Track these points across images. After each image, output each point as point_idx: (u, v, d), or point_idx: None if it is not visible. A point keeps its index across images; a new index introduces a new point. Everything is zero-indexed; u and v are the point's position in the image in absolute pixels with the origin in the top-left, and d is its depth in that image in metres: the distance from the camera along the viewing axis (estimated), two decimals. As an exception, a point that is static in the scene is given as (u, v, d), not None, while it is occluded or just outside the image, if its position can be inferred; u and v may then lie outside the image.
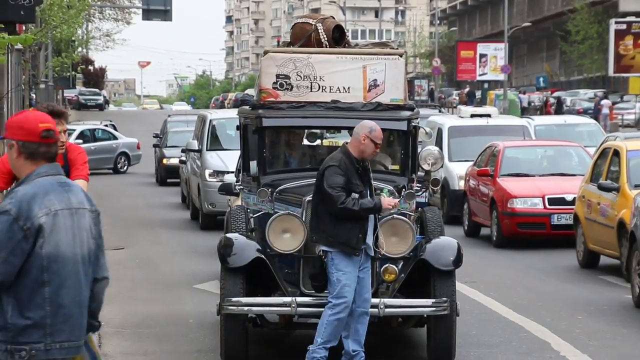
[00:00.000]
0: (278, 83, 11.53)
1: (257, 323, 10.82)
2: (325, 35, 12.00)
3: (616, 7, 68.95)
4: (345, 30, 12.63)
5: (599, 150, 18.76)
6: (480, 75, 75.75)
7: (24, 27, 13.99)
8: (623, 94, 60.32)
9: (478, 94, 74.22)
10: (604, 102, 55.05)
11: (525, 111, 56.98)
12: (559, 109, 58.27)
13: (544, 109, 60.03)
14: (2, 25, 11.03)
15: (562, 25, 74.43)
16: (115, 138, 40.98)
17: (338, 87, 11.50)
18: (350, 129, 12.30)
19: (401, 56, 12.09)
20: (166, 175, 33.09)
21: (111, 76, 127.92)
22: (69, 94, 78.48)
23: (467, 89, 77.25)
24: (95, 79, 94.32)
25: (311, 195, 10.20)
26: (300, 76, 11.51)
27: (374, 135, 10.04)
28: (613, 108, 55.60)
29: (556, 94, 66.28)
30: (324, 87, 11.50)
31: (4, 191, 9.06)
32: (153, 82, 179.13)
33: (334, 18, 12.72)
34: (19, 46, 14.66)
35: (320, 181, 9.88)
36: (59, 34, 46.40)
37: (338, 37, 12.09)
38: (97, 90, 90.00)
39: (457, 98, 73.33)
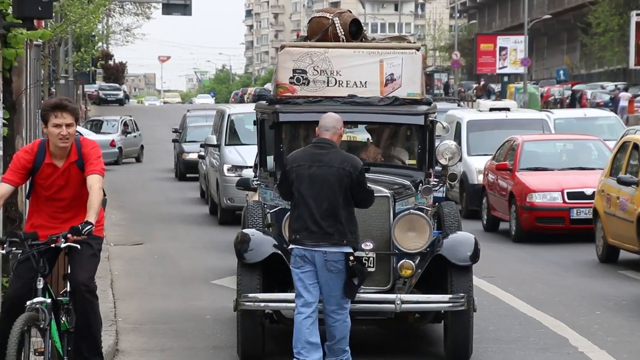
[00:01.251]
0: (295, 78, 11.51)
1: (273, 319, 10.83)
2: (342, 30, 11.97)
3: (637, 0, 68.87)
4: (363, 25, 12.60)
5: (618, 144, 18.69)
6: (500, 68, 75.59)
7: (43, 23, 13.93)
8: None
9: (498, 87, 74.19)
10: (622, 94, 54.90)
11: (546, 104, 56.90)
12: (573, 103, 58.16)
13: (565, 103, 59.86)
14: (20, 21, 11.01)
15: (583, 17, 74.24)
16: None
17: (355, 82, 11.49)
18: (367, 124, 12.36)
19: (418, 50, 12.07)
20: (185, 170, 33.17)
21: (131, 71, 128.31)
22: (89, 89, 78.68)
23: (482, 83, 77.36)
24: (116, 73, 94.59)
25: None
26: (317, 71, 11.50)
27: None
28: (634, 101, 55.53)
29: (577, 86, 66.18)
30: (340, 82, 11.48)
31: (20, 186, 9.05)
32: (173, 76, 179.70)
33: (351, 12, 12.68)
34: (38, 42, 14.61)
35: (358, 180, 9.59)
36: (78, 29, 46.43)
37: (355, 32, 12.07)
38: (117, 85, 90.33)
39: (475, 92, 73.23)
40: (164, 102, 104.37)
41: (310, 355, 9.26)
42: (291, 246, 9.60)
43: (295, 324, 9.49)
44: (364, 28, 12.71)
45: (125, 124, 42.50)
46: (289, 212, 10.54)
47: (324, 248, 9.37)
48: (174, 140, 35.66)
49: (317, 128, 9.81)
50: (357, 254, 9.76)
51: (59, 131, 8.45)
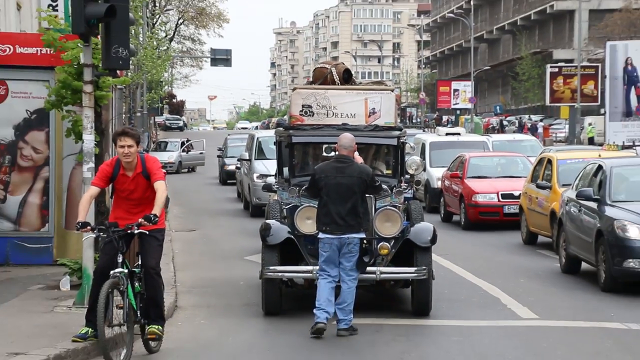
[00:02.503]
0: (303, 111, 11.51)
1: (288, 285, 10.80)
2: (337, 76, 11.99)
3: (551, 56, 68.74)
4: (353, 73, 12.59)
5: (537, 159, 18.71)
6: (454, 104, 75.37)
7: (124, 72, 13.91)
8: (556, 118, 60.29)
9: (452, 117, 74.09)
10: (539, 124, 55.41)
11: (486, 131, 56.68)
12: (502, 129, 58.28)
13: (501, 130, 59.64)
14: (107, 71, 11.01)
15: (513, 68, 74.13)
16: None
17: (347, 114, 11.46)
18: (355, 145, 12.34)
19: (392, 91, 12.11)
20: (226, 178, 33.03)
21: (188, 106, 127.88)
22: (158, 119, 78.46)
23: (436, 115, 77.72)
24: (177, 108, 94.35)
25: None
26: (319, 106, 11.49)
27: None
28: (549, 128, 55.47)
29: (507, 118, 66.19)
30: (336, 114, 11.47)
31: (106, 189, 9.06)
32: (218, 110, 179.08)
33: (344, 64, 12.69)
34: (121, 86, 14.57)
35: (372, 182, 9.62)
36: (150, 76, 46.55)
37: (347, 78, 12.07)
38: (178, 116, 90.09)
39: (433, 121, 73.18)
40: (214, 128, 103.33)
41: (327, 307, 9.31)
42: (321, 235, 9.49)
43: (319, 286, 9.43)
44: (354, 75, 12.70)
45: (190, 145, 42.60)
46: (299, 208, 10.57)
47: (347, 235, 9.36)
48: (218, 156, 35.58)
49: (337, 145, 9.79)
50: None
51: (123, 150, 8.49)
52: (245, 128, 69.99)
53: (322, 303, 9.35)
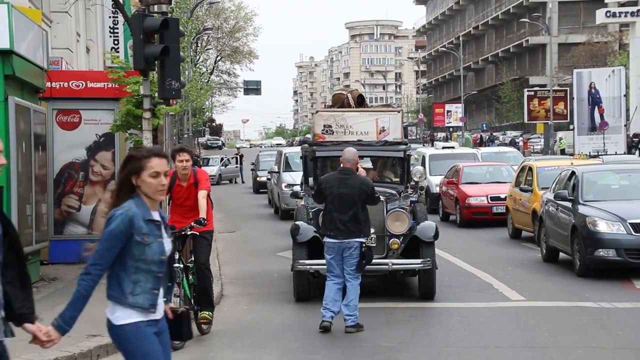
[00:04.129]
0: (324, 130, 11.51)
1: (315, 276, 10.77)
2: (352, 101, 12.00)
3: (528, 81, 68.50)
4: (365, 97, 12.59)
5: (519, 167, 18.62)
6: (447, 123, 75.20)
7: (175, 101, 13.99)
8: (533, 133, 60.20)
9: (445, 134, 73.95)
10: (519, 138, 55.29)
11: (475, 144, 56.50)
12: (488, 143, 58.02)
13: (487, 144, 59.45)
14: (162, 101, 11.07)
15: (496, 92, 73.96)
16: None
17: (361, 132, 11.48)
18: (369, 157, 12.34)
19: (399, 112, 12.06)
20: (259, 187, 33.05)
21: (225, 129, 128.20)
22: (201, 140, 78.79)
23: (429, 132, 77.89)
24: (216, 130, 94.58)
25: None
26: (338, 125, 11.49)
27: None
28: (527, 142, 55.27)
29: (492, 134, 66.02)
30: (352, 132, 11.48)
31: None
32: (250, 131, 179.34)
33: (358, 90, 12.70)
34: (172, 113, 14.62)
35: (371, 193, 8.95)
36: (195, 104, 46.69)
37: (360, 102, 12.08)
38: (217, 137, 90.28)
39: (428, 137, 73.16)
40: (250, 146, 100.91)
41: (333, 307, 8.81)
42: (326, 239, 9.00)
43: (327, 287, 8.95)
44: (366, 99, 12.71)
45: (228, 160, 42.88)
46: (322, 212, 10.54)
47: (349, 239, 8.81)
48: (252, 169, 35.65)
49: (341, 158, 9.28)
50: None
51: (182, 164, 8.51)
52: (280, 144, 69.32)
53: (328, 303, 8.79)
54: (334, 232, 8.90)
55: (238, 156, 43.03)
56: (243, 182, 41.15)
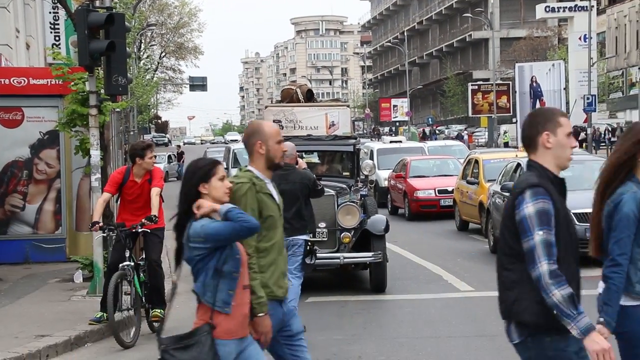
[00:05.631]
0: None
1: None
2: (302, 96, 11.96)
3: (471, 75, 69.41)
4: (314, 92, 12.59)
5: (465, 161, 18.85)
6: (393, 118, 75.79)
7: (120, 98, 13.78)
8: (477, 127, 61.04)
9: (392, 128, 74.49)
10: (464, 132, 56.02)
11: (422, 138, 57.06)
12: (431, 137, 58.54)
13: (430, 137, 60.07)
14: (108, 97, 10.89)
15: (440, 87, 74.81)
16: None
17: (310, 126, 11.47)
18: (318, 152, 12.33)
19: (348, 107, 12.11)
20: (207, 184, 32.73)
21: (171, 125, 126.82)
22: (147, 137, 77.50)
23: (373, 126, 78.27)
24: (162, 127, 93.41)
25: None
26: (287, 120, 11.47)
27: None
28: (472, 135, 56.00)
29: (437, 128, 66.71)
30: (302, 127, 11.46)
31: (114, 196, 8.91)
32: (196, 128, 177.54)
33: (307, 85, 12.68)
34: (118, 110, 14.40)
35: (314, 186, 8.58)
36: (140, 101, 46.10)
37: (309, 96, 12.06)
38: (163, 134, 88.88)
39: (374, 131, 73.62)
40: (202, 142, 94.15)
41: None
42: None
43: None
44: (315, 94, 12.71)
45: (170, 157, 42.28)
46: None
47: (293, 237, 8.43)
48: (199, 166, 35.30)
49: None
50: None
51: (152, 160, 8.39)
52: (235, 140, 66.84)
53: None
54: None
55: (178, 153, 42.34)
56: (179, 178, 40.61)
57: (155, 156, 8.50)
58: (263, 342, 4.23)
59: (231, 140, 60.23)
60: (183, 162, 41.12)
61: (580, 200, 12.00)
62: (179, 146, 48.99)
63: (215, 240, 3.93)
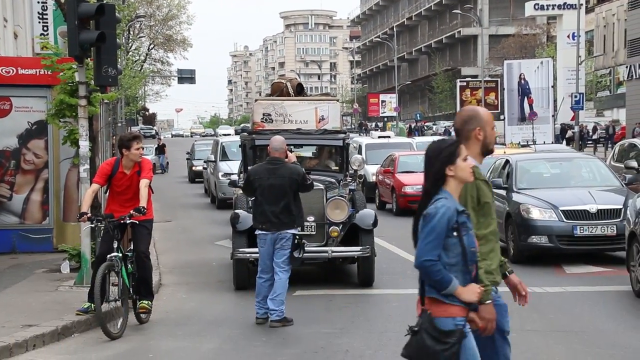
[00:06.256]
0: (264, 118, 11.46)
1: (254, 264, 10.70)
2: (292, 89, 11.96)
3: (460, 72, 69.70)
4: (304, 86, 12.59)
5: (454, 156, 18.88)
6: (382, 113, 75.96)
7: (110, 89, 13.76)
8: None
9: (380, 124, 74.61)
10: (452, 129, 56.16)
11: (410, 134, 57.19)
12: (414, 133, 58.53)
13: (421, 133, 60.18)
14: (98, 88, 10.85)
15: (429, 83, 74.96)
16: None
17: (300, 120, 11.46)
18: (308, 146, 12.34)
19: (338, 101, 12.09)
20: (194, 177, 32.77)
21: (159, 118, 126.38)
22: (134, 129, 77.09)
23: (360, 121, 78.61)
24: (150, 119, 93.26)
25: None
26: (277, 114, 11.45)
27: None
28: (460, 131, 56.07)
29: (425, 124, 66.86)
30: (291, 120, 11.45)
31: (103, 187, 8.90)
32: (184, 121, 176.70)
33: (297, 79, 12.68)
34: (107, 101, 14.36)
35: (303, 181, 8.60)
36: (128, 92, 45.88)
37: (299, 90, 12.06)
38: (151, 126, 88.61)
39: (361, 127, 73.79)
40: (191, 134, 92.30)
41: (265, 304, 8.45)
42: (257, 232, 8.60)
43: (257, 284, 8.57)
44: (304, 88, 12.71)
45: (157, 149, 41.98)
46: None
47: (282, 231, 8.47)
48: (187, 158, 35.26)
49: (268, 148, 8.80)
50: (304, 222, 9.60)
51: (138, 152, 8.39)
52: (229, 134, 61.93)
53: (260, 300, 8.50)
54: (266, 224, 8.49)
55: (159, 146, 41.65)
56: (163, 172, 40.39)
57: (142, 148, 8.48)
58: (486, 329, 4.10)
59: (224, 135, 58.03)
60: (163, 154, 40.71)
61: (568, 197, 12.11)
62: (159, 139, 48.31)
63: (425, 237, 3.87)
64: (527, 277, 11.10)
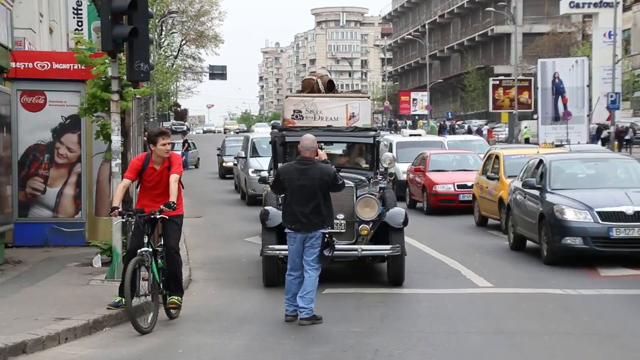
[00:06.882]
0: (294, 115, 11.44)
1: (284, 261, 10.69)
2: (322, 86, 11.92)
3: (492, 70, 69.09)
4: (335, 83, 12.54)
5: (485, 156, 18.77)
6: (413, 111, 75.58)
7: (142, 84, 13.85)
8: (497, 122, 60.67)
9: (409, 122, 74.25)
10: (484, 127, 56.04)
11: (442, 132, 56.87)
12: (448, 132, 58.07)
13: (453, 132, 59.82)
14: (130, 83, 10.90)
15: (461, 81, 74.43)
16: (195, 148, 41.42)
17: (331, 117, 11.41)
18: (338, 143, 12.30)
19: (368, 98, 12.04)
20: (225, 173, 32.85)
21: (190, 113, 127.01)
22: (166, 124, 77.61)
23: (389, 119, 78.35)
24: (181, 115, 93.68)
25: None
26: (307, 111, 11.41)
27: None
28: (492, 130, 55.76)
29: (456, 122, 66.39)
30: (322, 117, 11.41)
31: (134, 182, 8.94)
32: (215, 117, 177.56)
33: (327, 75, 12.61)
34: (139, 96, 14.47)
35: (333, 182, 8.51)
36: (160, 88, 46.17)
37: (330, 87, 12.02)
38: (182, 122, 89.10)
39: (392, 125, 73.61)
40: (225, 131, 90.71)
41: (295, 301, 8.43)
42: (287, 230, 8.57)
43: (286, 282, 8.53)
44: (336, 85, 12.67)
45: (189, 145, 42.19)
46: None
47: (312, 233, 8.42)
48: (218, 155, 35.39)
49: (299, 146, 8.71)
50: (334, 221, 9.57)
51: (165, 148, 8.41)
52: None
53: (290, 297, 8.45)
54: (295, 225, 8.46)
55: (183, 142, 41.39)
56: (187, 168, 40.35)
57: (171, 143, 8.47)
58: None
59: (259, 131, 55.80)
60: (187, 150, 40.52)
61: (604, 198, 11.93)
62: (183, 134, 48.20)
63: None
64: (561, 279, 10.99)
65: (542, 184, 12.69)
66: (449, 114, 71.28)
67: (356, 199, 10.41)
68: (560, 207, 11.90)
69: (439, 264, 12.43)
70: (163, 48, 57.42)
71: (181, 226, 8.63)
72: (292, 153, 11.86)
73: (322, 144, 11.51)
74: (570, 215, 11.75)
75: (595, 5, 49.42)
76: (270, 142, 12.61)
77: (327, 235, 8.52)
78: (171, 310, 8.49)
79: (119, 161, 10.23)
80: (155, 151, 8.43)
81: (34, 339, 7.17)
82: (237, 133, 66.66)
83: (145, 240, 8.19)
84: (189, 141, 42.59)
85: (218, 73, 57.98)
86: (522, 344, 7.70)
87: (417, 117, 74.64)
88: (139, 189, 8.79)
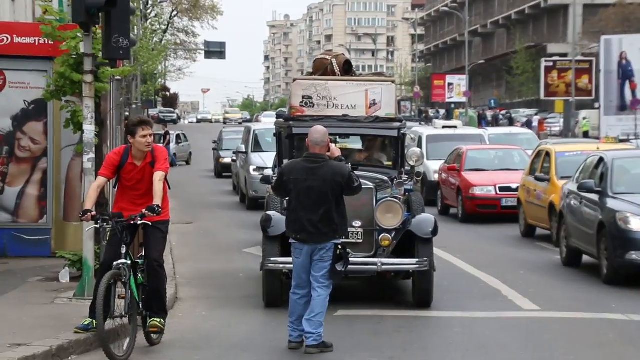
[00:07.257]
0: (304, 102, 11.45)
1: (289, 276, 10.69)
2: (338, 68, 11.94)
3: (545, 49, 68.92)
4: (353, 65, 12.54)
5: (534, 152, 18.76)
6: (448, 98, 75.55)
7: (122, 63, 13.88)
8: (550, 112, 60.41)
9: (441, 111, 74.19)
10: (534, 117, 55.62)
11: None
12: (486, 123, 57.76)
13: (496, 123, 59.70)
14: (107, 61, 10.94)
15: (507, 62, 74.34)
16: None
17: (347, 105, 11.40)
18: (356, 136, 12.31)
19: (393, 82, 12.02)
20: (222, 170, 32.99)
21: (182, 99, 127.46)
22: (152, 112, 77.90)
23: (420, 108, 78.34)
24: (171, 101, 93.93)
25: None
26: (320, 97, 11.43)
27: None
28: (544, 122, 55.62)
29: (501, 112, 66.29)
30: (337, 105, 11.41)
31: (111, 180, 8.98)
32: (211, 103, 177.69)
33: (344, 55, 12.62)
34: (118, 77, 14.50)
35: (348, 184, 8.44)
36: (145, 68, 46.41)
37: (347, 69, 12.02)
38: (172, 109, 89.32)
39: (422, 115, 73.58)
40: (225, 120, 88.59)
41: (300, 325, 8.38)
42: (292, 241, 8.55)
43: (291, 301, 8.51)
44: (354, 66, 12.66)
45: (178, 137, 42.32)
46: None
47: (322, 244, 8.35)
48: (214, 149, 35.54)
49: (307, 140, 8.61)
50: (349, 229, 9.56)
51: (145, 140, 8.42)
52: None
53: (294, 321, 8.45)
54: (301, 234, 8.39)
55: (162, 133, 40.69)
56: (175, 165, 40.28)
57: (151, 135, 8.42)
58: None
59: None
60: (168, 143, 39.97)
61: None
62: (165, 125, 48.04)
63: None
64: (623, 302, 10.95)
65: (602, 187, 12.66)
66: (492, 101, 71.15)
67: (376, 203, 10.43)
68: (624, 214, 11.87)
69: (474, 281, 12.44)
70: (150, 20, 57.75)
71: (166, 234, 8.67)
72: (301, 148, 11.84)
73: (335, 137, 11.56)
74: (637, 224, 11.73)
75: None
76: (274, 135, 12.64)
77: (339, 247, 8.48)
78: (152, 335, 8.53)
79: (92, 155, 10.29)
80: (134, 144, 8.46)
81: (44, 352, 7.23)
82: (241, 124, 65.32)
83: (123, 250, 8.22)
84: (176, 133, 42.47)
85: (215, 51, 58.10)
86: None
87: (453, 106, 74.47)
88: (116, 189, 8.83)
